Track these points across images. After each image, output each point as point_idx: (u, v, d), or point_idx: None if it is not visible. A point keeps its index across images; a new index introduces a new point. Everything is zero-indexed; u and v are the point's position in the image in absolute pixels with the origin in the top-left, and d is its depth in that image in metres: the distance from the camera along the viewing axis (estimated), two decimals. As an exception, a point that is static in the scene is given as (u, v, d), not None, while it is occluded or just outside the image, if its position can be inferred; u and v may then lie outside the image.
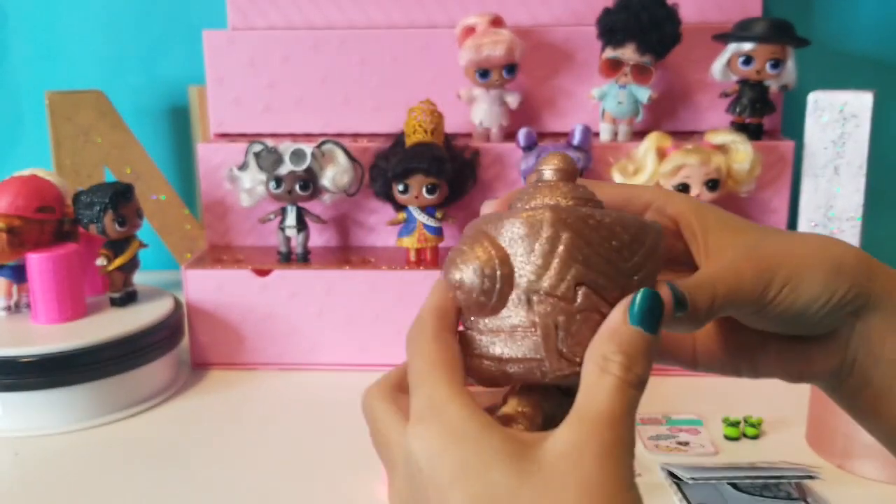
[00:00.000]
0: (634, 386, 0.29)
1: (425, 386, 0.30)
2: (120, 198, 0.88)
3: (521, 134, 0.92)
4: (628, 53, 0.95)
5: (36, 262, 0.84)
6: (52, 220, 0.87)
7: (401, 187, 0.91)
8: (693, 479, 0.68)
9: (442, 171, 0.90)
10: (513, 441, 0.29)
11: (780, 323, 0.35)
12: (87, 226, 0.88)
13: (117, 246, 0.89)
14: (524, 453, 0.28)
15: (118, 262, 0.89)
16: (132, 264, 0.91)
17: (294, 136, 1.03)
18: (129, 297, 0.91)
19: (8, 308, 0.87)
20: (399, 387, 0.33)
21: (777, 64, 0.94)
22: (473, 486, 0.28)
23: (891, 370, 0.35)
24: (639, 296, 0.30)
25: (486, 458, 0.28)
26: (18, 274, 0.87)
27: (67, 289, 0.85)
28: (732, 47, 0.95)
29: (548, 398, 0.33)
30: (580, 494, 0.27)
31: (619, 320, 0.30)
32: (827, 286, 0.34)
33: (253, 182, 0.93)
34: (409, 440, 0.30)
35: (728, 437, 0.76)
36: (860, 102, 0.90)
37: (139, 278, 0.98)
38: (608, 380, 0.29)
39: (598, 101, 0.99)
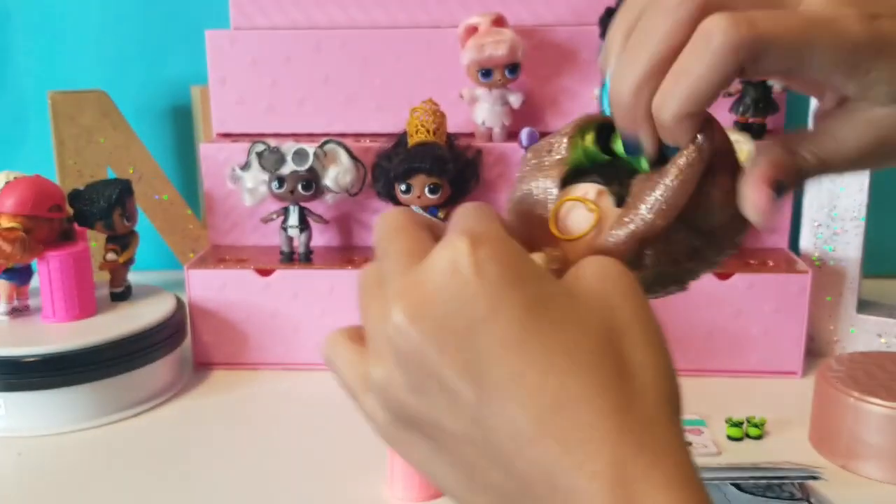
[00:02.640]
0: None
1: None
2: (126, 193, 0.91)
3: (524, 134, 0.92)
4: (631, 53, 0.94)
5: (57, 259, 0.84)
6: (58, 219, 0.87)
7: (403, 187, 0.91)
8: (696, 479, 0.68)
9: (444, 170, 0.90)
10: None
11: None
12: (93, 223, 0.89)
13: (121, 241, 0.91)
14: None
15: (126, 255, 0.92)
16: (132, 258, 0.94)
17: (296, 136, 1.03)
18: (128, 291, 0.93)
19: (11, 311, 0.87)
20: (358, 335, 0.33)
21: (780, 63, 0.94)
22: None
23: None
24: None
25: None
26: (22, 276, 0.87)
27: (85, 285, 0.87)
28: (735, 47, 0.95)
29: None
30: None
31: None
32: None
33: (255, 182, 0.93)
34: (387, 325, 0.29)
35: (731, 438, 0.76)
36: (863, 102, 0.90)
37: (142, 278, 0.98)
38: None
39: (601, 100, 0.99)
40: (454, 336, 0.27)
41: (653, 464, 0.26)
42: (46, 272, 0.85)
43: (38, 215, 0.84)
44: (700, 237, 0.34)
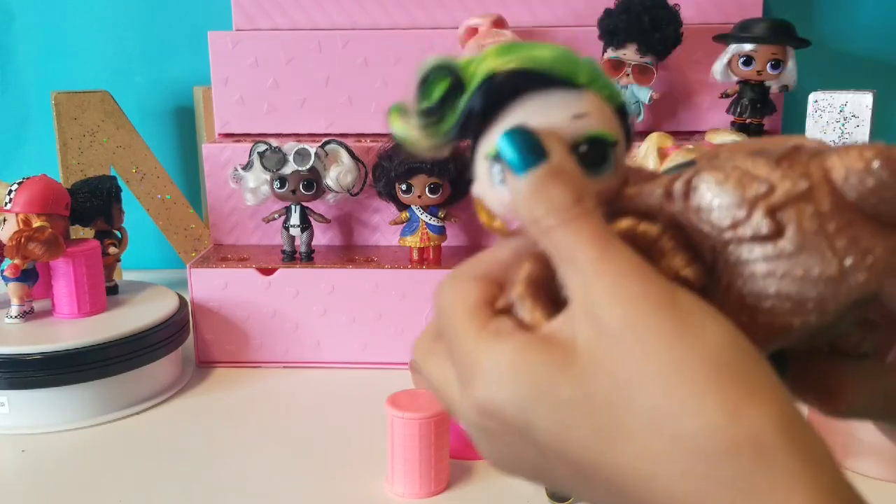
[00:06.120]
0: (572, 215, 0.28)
1: (452, 346, 0.30)
2: (119, 190, 0.94)
3: (524, 134, 0.92)
4: (629, 54, 0.95)
5: (83, 256, 0.86)
6: (67, 217, 0.89)
7: (404, 187, 0.92)
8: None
9: (445, 170, 0.91)
10: (550, 364, 0.27)
11: None
12: (94, 219, 0.90)
13: (116, 235, 0.95)
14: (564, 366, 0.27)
15: (122, 249, 0.96)
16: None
17: (298, 136, 1.04)
18: (116, 286, 0.95)
19: (24, 313, 0.86)
20: (438, 336, 0.32)
21: (777, 64, 0.95)
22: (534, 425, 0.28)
23: None
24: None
25: (535, 392, 0.27)
26: (33, 278, 0.87)
27: (100, 281, 0.89)
28: (733, 48, 0.96)
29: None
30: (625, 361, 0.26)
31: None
32: None
33: (257, 181, 0.94)
34: (463, 408, 0.30)
35: (728, 435, 0.77)
36: (860, 102, 0.90)
37: (145, 276, 0.99)
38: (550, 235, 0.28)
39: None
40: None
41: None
42: (70, 270, 0.85)
43: (55, 213, 0.85)
44: None
